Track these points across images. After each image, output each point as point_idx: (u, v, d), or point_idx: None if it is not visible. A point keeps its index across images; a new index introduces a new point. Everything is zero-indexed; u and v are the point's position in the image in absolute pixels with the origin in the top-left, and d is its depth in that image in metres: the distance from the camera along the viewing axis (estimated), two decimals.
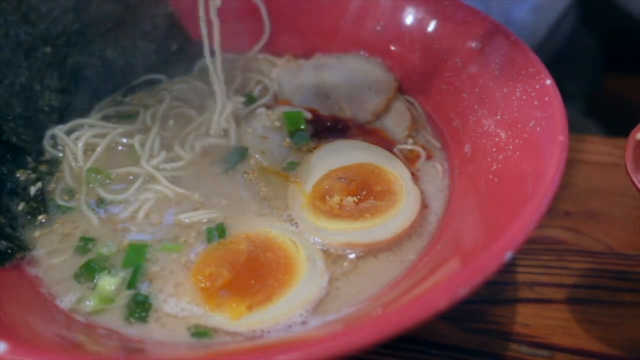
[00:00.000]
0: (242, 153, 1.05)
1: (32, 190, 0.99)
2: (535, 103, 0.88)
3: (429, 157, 1.05)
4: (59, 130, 1.08)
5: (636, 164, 0.86)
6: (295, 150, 1.06)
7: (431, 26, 1.15)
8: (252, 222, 0.93)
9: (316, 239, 0.89)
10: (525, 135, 0.87)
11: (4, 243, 0.87)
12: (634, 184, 0.84)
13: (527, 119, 0.88)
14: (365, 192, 0.95)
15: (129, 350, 0.77)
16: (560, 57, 1.94)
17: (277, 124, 1.09)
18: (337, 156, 1.02)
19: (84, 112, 1.15)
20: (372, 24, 1.24)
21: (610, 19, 2.01)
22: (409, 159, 1.05)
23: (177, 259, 0.88)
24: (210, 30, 1.06)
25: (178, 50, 1.28)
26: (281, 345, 0.72)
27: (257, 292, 0.81)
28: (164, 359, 0.74)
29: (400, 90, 1.19)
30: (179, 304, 0.81)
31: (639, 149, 0.88)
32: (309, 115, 1.11)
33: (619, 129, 1.08)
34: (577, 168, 1.23)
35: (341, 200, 0.93)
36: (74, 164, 1.04)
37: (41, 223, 0.95)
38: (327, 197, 0.94)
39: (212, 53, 1.32)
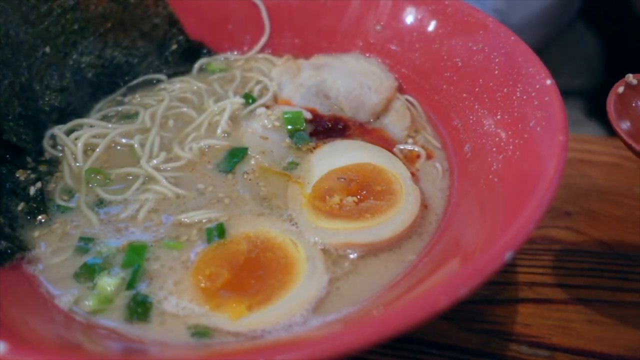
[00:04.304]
0: (242, 153, 1.05)
1: (32, 190, 0.98)
2: (535, 103, 0.87)
3: (429, 157, 1.05)
4: (58, 130, 1.08)
5: (619, 117, 0.89)
6: (295, 150, 1.06)
7: (431, 26, 1.15)
8: (252, 222, 0.93)
9: (316, 239, 0.89)
10: (525, 135, 0.87)
11: (4, 243, 0.87)
12: (620, 136, 0.87)
13: (527, 119, 0.88)
14: (365, 192, 0.95)
15: (129, 350, 0.76)
16: (561, 56, 1.95)
17: (277, 124, 1.09)
18: (337, 156, 1.02)
19: (84, 112, 1.16)
20: (372, 24, 1.24)
21: (611, 19, 2.01)
22: (409, 159, 1.05)
23: (177, 257, 0.88)
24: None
25: (178, 50, 1.28)
26: (281, 345, 0.72)
27: (257, 292, 0.81)
28: (164, 359, 0.74)
29: (400, 90, 1.19)
30: (180, 302, 0.81)
31: (620, 103, 0.91)
32: (308, 115, 1.11)
33: None
34: (577, 168, 1.24)
35: (341, 200, 0.93)
36: (73, 164, 1.04)
37: (41, 223, 0.94)
38: (327, 197, 0.94)
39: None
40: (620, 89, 0.92)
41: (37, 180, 1.00)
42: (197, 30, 1.30)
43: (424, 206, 0.95)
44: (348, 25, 1.26)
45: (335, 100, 1.16)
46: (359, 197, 0.94)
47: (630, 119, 0.90)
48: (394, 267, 0.87)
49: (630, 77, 0.92)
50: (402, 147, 1.07)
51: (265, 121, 1.09)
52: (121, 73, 1.23)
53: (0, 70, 1.02)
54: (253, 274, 0.83)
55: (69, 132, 1.09)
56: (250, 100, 1.16)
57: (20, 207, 0.96)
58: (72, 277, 0.86)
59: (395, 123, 1.12)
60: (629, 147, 0.86)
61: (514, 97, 0.93)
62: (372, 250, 0.89)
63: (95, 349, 0.75)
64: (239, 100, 1.15)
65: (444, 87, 1.11)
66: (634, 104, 0.92)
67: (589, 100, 1.99)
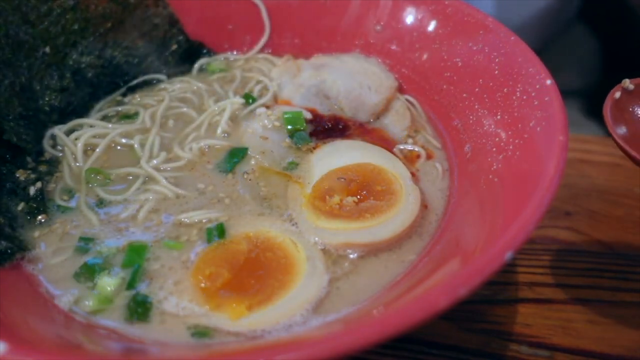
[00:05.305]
0: (242, 153, 1.05)
1: (32, 190, 0.98)
2: (535, 103, 0.88)
3: (429, 157, 1.05)
4: (58, 130, 1.08)
5: (615, 122, 0.89)
6: (295, 150, 1.06)
7: (431, 26, 1.15)
8: (252, 222, 0.93)
9: (316, 239, 0.89)
10: (525, 135, 0.87)
11: (4, 243, 0.87)
12: (615, 141, 0.87)
13: (527, 119, 0.88)
14: (365, 192, 0.95)
15: (129, 350, 0.76)
16: (560, 57, 1.95)
17: (277, 124, 1.09)
18: (337, 156, 1.02)
19: (84, 112, 1.16)
20: (372, 24, 1.24)
21: (610, 19, 2.01)
22: (409, 159, 1.05)
23: (177, 257, 0.88)
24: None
25: (178, 50, 1.28)
26: (281, 345, 0.72)
27: (257, 292, 0.81)
28: (164, 359, 0.74)
29: (401, 90, 1.19)
30: (180, 302, 0.81)
31: (616, 108, 0.91)
32: (308, 115, 1.11)
33: None
34: (577, 168, 1.24)
35: (341, 200, 0.93)
36: (73, 164, 1.04)
37: (41, 223, 0.94)
38: (327, 197, 0.94)
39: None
40: (617, 94, 0.92)
41: (37, 180, 1.00)
42: (197, 30, 1.30)
43: (424, 206, 0.95)
44: (348, 25, 1.26)
45: (335, 100, 1.16)
46: (359, 197, 0.94)
47: (627, 124, 0.91)
48: (394, 267, 0.87)
49: (627, 82, 0.92)
50: (402, 147, 1.07)
51: (265, 121, 1.09)
52: (121, 73, 1.23)
53: (0, 70, 1.02)
54: (253, 274, 0.83)
55: (69, 132, 1.09)
56: (250, 100, 1.16)
57: (20, 207, 0.96)
58: (72, 277, 0.86)
59: (395, 123, 1.12)
60: (625, 152, 0.86)
61: (514, 97, 0.93)
62: (372, 250, 0.89)
63: (95, 349, 0.75)
64: (239, 100, 1.15)
65: (444, 87, 1.11)
66: (630, 109, 0.92)
67: (588, 101, 1.99)
